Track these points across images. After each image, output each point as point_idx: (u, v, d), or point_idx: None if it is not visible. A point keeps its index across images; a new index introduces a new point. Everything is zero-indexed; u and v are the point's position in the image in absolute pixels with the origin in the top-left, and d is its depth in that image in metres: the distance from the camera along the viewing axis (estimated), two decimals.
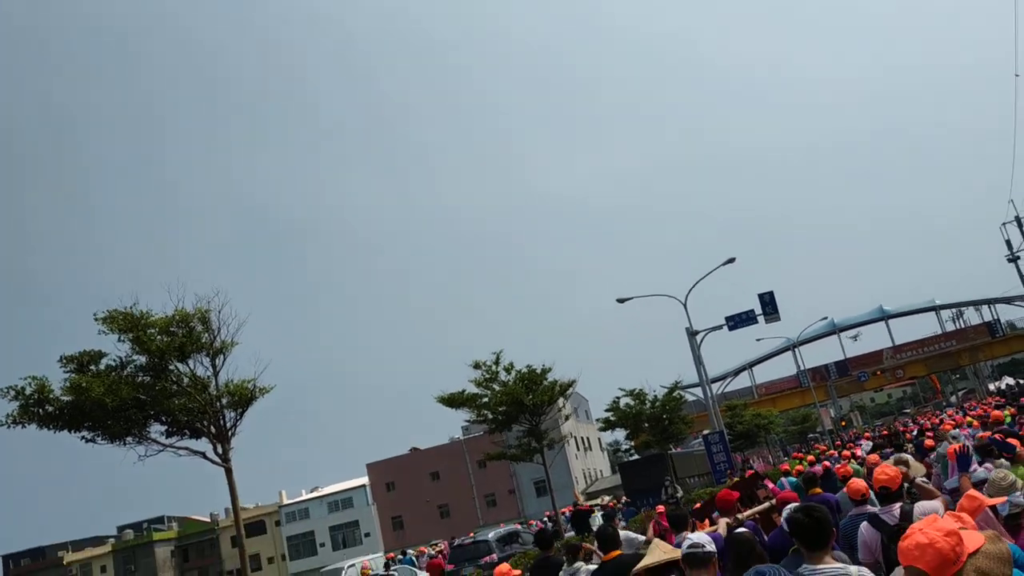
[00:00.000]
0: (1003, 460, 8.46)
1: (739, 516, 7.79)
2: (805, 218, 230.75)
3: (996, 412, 16.61)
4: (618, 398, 32.39)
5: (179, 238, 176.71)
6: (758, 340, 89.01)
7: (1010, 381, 73.92)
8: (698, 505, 11.34)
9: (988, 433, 11.31)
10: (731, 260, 37.06)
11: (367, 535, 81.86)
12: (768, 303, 35.81)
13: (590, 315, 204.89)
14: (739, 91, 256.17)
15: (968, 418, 21.45)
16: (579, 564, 8.08)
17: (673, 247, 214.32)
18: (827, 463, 17.16)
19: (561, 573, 8.04)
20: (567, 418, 23.28)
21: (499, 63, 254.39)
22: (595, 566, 7.60)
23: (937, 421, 25.15)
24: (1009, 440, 9.54)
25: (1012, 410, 22.84)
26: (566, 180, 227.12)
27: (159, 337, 12.85)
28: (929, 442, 14.20)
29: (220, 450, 13.75)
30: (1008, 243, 58.88)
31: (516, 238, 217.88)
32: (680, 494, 29.15)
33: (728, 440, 38.57)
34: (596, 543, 7.93)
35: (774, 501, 8.25)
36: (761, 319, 35.97)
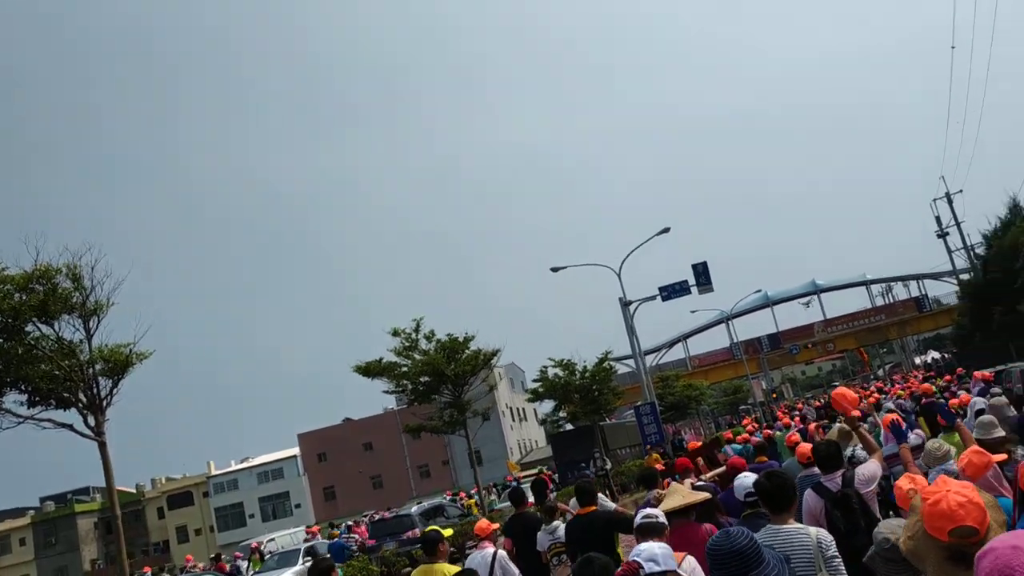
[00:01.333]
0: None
1: (703, 476, 8.72)
2: (742, 192, 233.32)
3: (925, 385, 17.25)
4: (546, 368, 31.78)
5: (115, 204, 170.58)
6: (692, 312, 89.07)
7: (936, 355, 75.58)
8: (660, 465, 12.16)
9: (930, 399, 12.06)
10: (666, 230, 36.63)
11: (298, 506, 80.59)
12: (702, 274, 35.40)
13: (525, 285, 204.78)
14: (689, 61, 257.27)
15: (897, 390, 22.15)
16: (557, 523, 8.45)
17: (610, 218, 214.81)
18: (769, 431, 17.84)
19: (540, 532, 8.47)
20: (490, 389, 22.27)
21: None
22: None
23: (866, 394, 25.90)
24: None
25: (947, 379, 24.45)
26: (498, 146, 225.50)
27: (17, 295, 11.37)
28: (857, 412, 14.11)
29: (93, 422, 12.38)
30: (938, 219, 59.74)
31: (444, 206, 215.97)
32: (609, 466, 28.71)
33: (659, 411, 38.37)
34: (575, 497, 8.50)
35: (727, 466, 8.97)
36: (695, 290, 35.62)
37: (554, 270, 37.49)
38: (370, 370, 20.00)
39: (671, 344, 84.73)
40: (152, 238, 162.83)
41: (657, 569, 3.09)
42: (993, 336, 40.45)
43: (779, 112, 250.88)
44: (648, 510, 4.75)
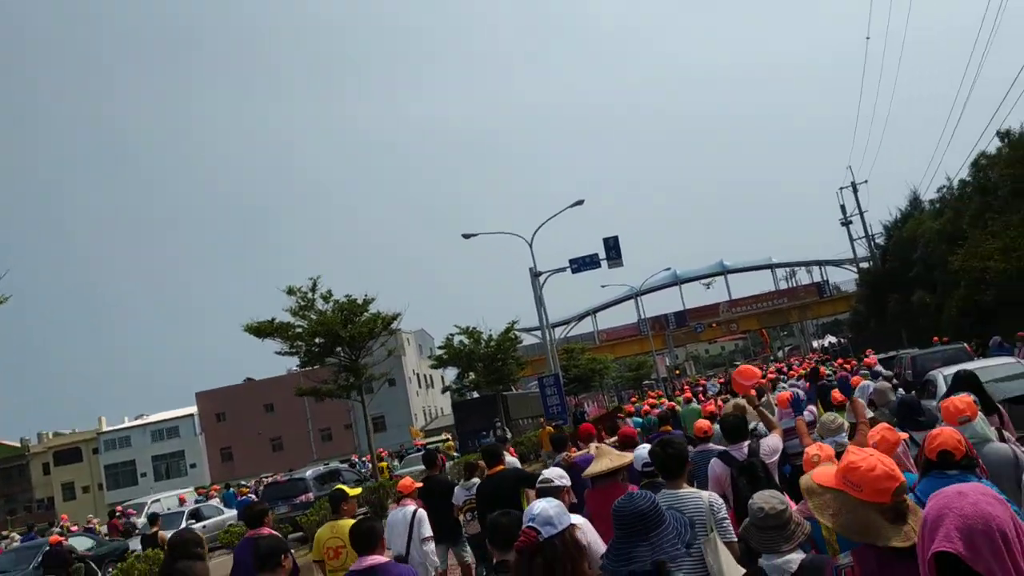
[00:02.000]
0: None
1: (605, 442, 9.17)
2: (656, 175, 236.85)
3: (823, 369, 18.86)
4: (452, 335, 31.28)
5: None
6: (603, 287, 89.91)
7: (832, 339, 78.21)
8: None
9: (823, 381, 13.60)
10: (579, 202, 36.51)
11: (193, 466, 78.63)
12: (612, 248, 35.38)
13: (439, 253, 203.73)
14: (623, 57, 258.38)
15: (797, 371, 24.59)
16: (475, 480, 8.94)
17: (525, 191, 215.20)
18: (672, 404, 19.06)
19: (458, 488, 9.19)
20: (389, 353, 21.55)
21: None
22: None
23: (769, 372, 26.98)
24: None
25: (840, 362, 25.96)
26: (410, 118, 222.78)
27: None
28: (753, 392, 14.83)
29: None
30: (843, 208, 61.35)
31: (364, 177, 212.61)
32: (510, 436, 28.56)
33: (563, 383, 38.42)
34: (482, 458, 9.09)
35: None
36: (605, 264, 35.61)
37: (466, 236, 36.96)
38: (261, 330, 19.03)
39: (580, 317, 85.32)
40: (53, 177, 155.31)
41: (555, 531, 3.11)
42: (887, 323, 41.78)
43: (699, 100, 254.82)
44: (546, 474, 5.05)
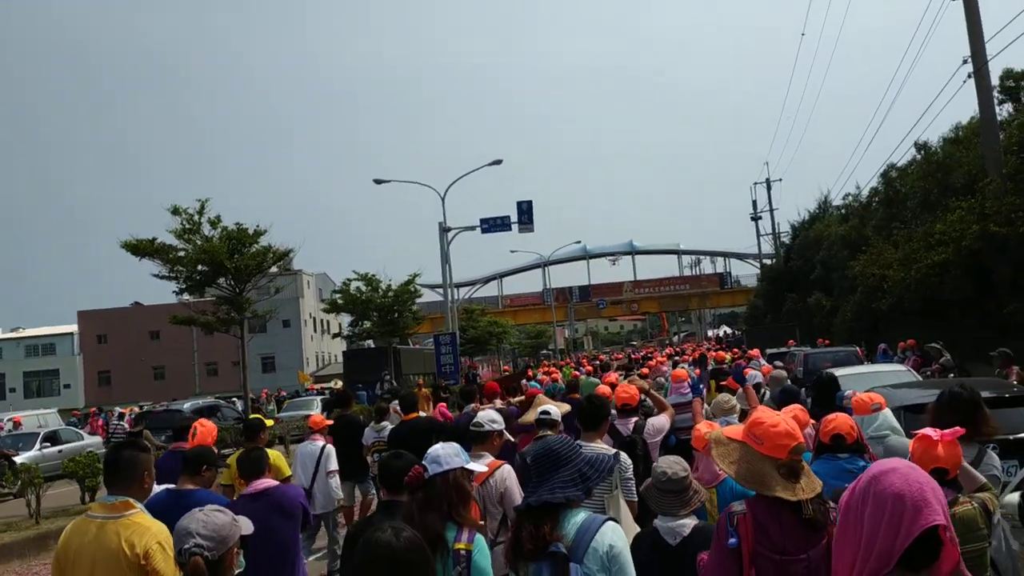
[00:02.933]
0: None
1: (510, 400, 10.04)
2: (578, 148, 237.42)
3: (720, 353, 20.43)
4: (349, 281, 30.11)
5: None
6: (512, 252, 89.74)
7: (728, 330, 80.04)
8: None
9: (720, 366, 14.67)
10: (497, 162, 35.86)
11: (67, 387, 75.44)
12: (525, 212, 34.88)
13: (349, 196, 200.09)
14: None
15: (686, 357, 24.18)
16: (385, 423, 9.55)
17: (441, 143, 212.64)
18: (576, 372, 20.33)
19: (368, 429, 9.64)
20: (276, 291, 20.36)
21: None
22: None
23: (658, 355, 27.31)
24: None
25: (734, 352, 27.11)
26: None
27: None
28: (646, 371, 16.13)
29: None
30: (754, 203, 62.42)
31: (292, 111, 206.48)
32: (400, 390, 27.91)
33: (459, 344, 37.91)
34: (398, 406, 9.76)
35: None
36: (516, 227, 35.11)
37: (377, 182, 35.95)
38: (140, 249, 17.48)
39: (486, 280, 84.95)
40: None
41: (440, 469, 3.22)
42: (782, 320, 42.63)
43: (631, 74, 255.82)
44: (479, 417, 5.08)
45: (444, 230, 34.45)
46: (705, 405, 9.39)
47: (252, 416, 8.19)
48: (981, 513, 3.24)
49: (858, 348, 20.28)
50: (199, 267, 17.94)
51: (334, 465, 8.54)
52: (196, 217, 17.98)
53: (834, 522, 2.62)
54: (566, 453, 3.08)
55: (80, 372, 75.61)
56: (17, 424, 26.54)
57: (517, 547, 2.94)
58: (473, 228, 35.42)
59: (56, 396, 73.75)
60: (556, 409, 6.07)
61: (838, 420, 4.05)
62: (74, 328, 76.20)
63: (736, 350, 30.75)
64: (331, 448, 8.66)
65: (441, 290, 54.15)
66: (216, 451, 5.76)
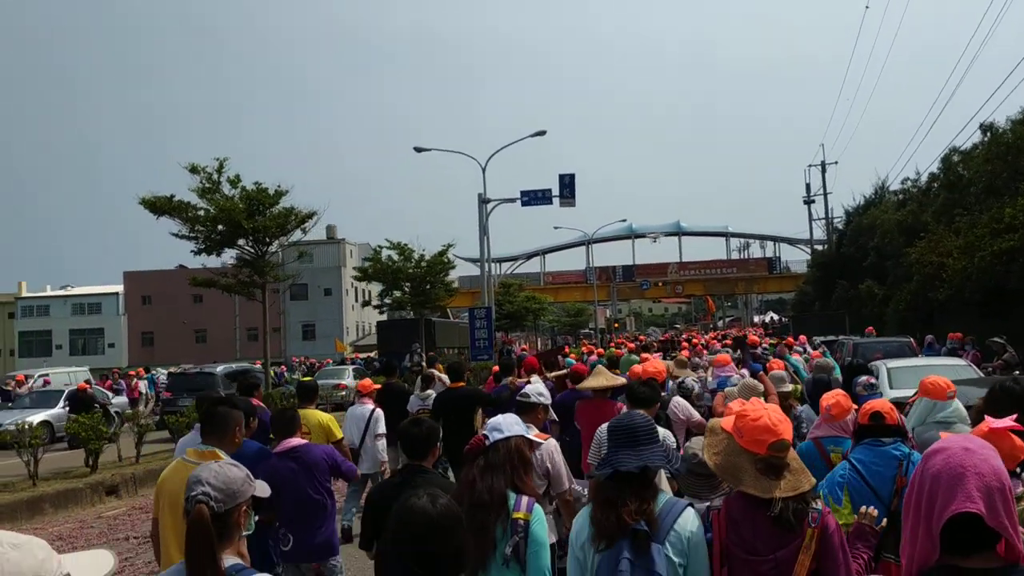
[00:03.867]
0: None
1: (547, 375, 10.15)
2: (632, 124, 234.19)
3: (753, 337, 18.79)
4: (381, 247, 29.38)
5: None
6: (556, 228, 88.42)
7: (775, 316, 78.12)
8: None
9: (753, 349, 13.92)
10: (541, 133, 34.74)
11: (111, 346, 76.45)
12: (567, 185, 33.68)
13: (389, 166, 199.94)
14: None
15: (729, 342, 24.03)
16: (430, 391, 9.97)
17: (483, 116, 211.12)
18: (620, 351, 19.32)
19: (413, 396, 10.15)
20: (300, 255, 19.40)
21: None
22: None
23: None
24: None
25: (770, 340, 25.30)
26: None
27: None
28: (685, 352, 16.07)
29: None
30: (808, 186, 60.50)
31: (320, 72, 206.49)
32: (424, 362, 27.18)
33: (495, 318, 37.06)
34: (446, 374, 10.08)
35: (569, 369, 10.43)
36: (557, 201, 33.97)
37: (418, 150, 35.14)
38: (158, 206, 16.85)
39: (529, 256, 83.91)
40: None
41: (500, 436, 3.33)
42: (831, 308, 41.12)
43: (681, 48, 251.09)
44: (527, 390, 5.40)
45: (483, 201, 33.51)
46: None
47: (304, 379, 8.66)
48: None
49: (911, 339, 18.91)
50: (218, 227, 17.29)
51: (382, 429, 8.98)
52: (215, 176, 17.31)
53: (813, 523, 2.72)
54: (655, 431, 3.04)
55: (124, 332, 76.56)
56: (21, 382, 26.45)
57: (612, 519, 2.76)
58: (513, 200, 34.38)
59: (100, 355, 74.95)
60: (541, 390, 5.79)
61: (877, 402, 3.92)
62: (120, 288, 77.08)
63: (776, 337, 29.36)
64: (380, 412, 9.13)
65: (480, 264, 53.33)
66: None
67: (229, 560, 2.46)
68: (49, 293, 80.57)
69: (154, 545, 4.53)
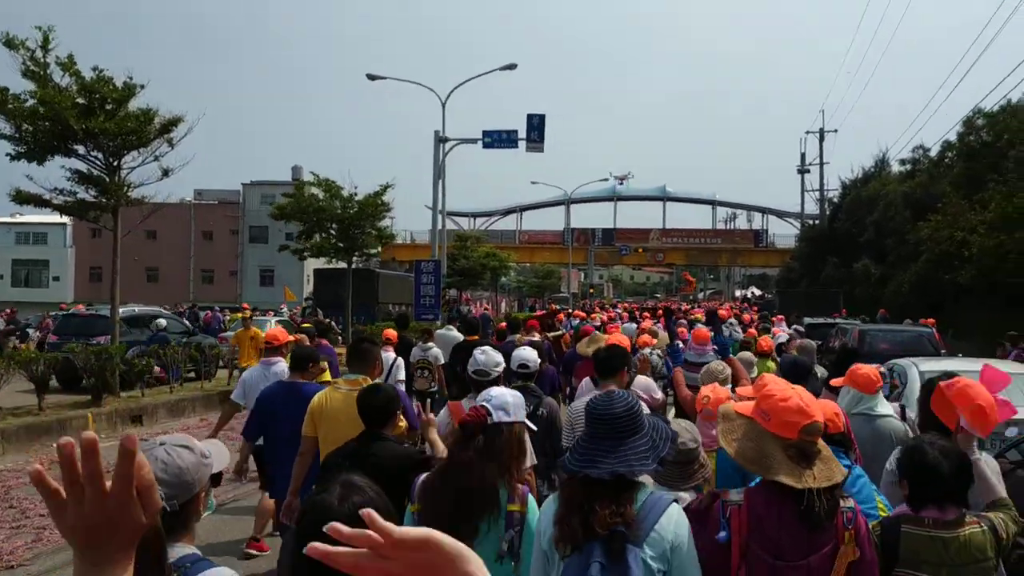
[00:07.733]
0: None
1: (547, 335, 12.38)
2: (616, 83, 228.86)
3: (724, 312, 19.28)
4: (304, 182, 25.40)
5: None
6: (533, 183, 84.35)
7: (757, 292, 74.63)
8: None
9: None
10: (511, 66, 30.66)
11: (56, 279, 72.35)
12: (536, 128, 29.59)
13: (339, 96, 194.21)
14: None
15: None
16: (431, 344, 11.06)
17: (445, 44, 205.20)
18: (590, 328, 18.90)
19: (415, 347, 11.09)
20: (166, 174, 15.36)
21: None
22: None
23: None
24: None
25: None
26: None
27: None
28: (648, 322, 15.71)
29: None
30: (803, 156, 56.82)
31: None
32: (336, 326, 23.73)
33: (447, 274, 33.25)
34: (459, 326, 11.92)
35: (568, 331, 12.84)
36: (523, 144, 29.98)
37: (371, 78, 30.98)
38: None
39: (505, 213, 79.87)
40: None
41: (506, 419, 3.10)
42: (819, 286, 37.53)
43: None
44: (522, 352, 5.81)
45: (440, 140, 29.50)
46: None
47: (311, 323, 10.15)
48: (990, 537, 2.73)
49: (934, 329, 15.06)
50: (45, 124, 13.09)
51: (401, 376, 9.28)
52: (39, 54, 13.05)
53: (849, 524, 2.47)
54: (639, 417, 2.62)
55: (71, 266, 72.43)
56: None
57: (578, 525, 2.40)
58: (475, 141, 30.34)
59: (45, 288, 71.17)
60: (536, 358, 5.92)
61: (825, 402, 3.29)
62: (68, 220, 72.61)
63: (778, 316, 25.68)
64: (401, 361, 9.44)
65: (456, 218, 49.27)
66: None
67: (183, 550, 2.22)
68: None
69: (301, 464, 5.09)
